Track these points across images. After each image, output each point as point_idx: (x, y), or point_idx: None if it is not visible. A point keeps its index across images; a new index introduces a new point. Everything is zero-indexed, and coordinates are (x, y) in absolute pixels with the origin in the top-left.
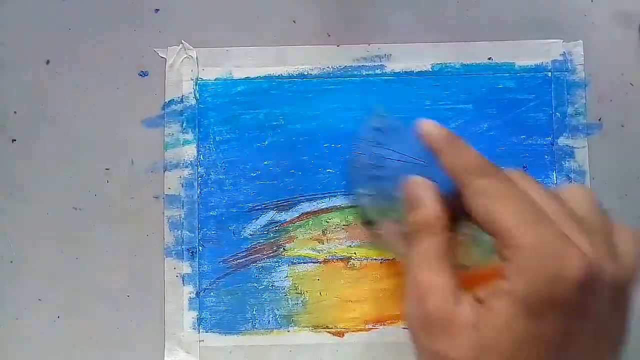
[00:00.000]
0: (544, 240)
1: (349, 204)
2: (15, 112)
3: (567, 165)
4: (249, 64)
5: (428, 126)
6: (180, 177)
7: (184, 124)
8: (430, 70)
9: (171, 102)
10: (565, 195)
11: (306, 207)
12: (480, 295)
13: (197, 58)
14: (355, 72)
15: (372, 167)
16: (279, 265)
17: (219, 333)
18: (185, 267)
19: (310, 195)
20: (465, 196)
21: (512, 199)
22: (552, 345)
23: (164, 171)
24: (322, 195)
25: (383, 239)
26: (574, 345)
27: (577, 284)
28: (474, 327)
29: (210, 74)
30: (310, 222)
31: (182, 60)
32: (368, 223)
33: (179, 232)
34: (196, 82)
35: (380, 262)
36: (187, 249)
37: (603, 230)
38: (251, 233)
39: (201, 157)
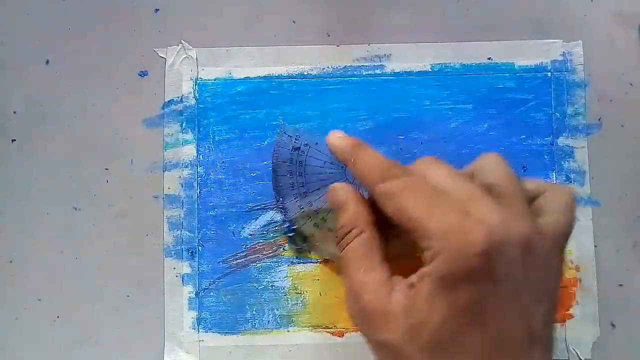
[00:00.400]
0: (448, 223)
1: (283, 232)
2: (15, 112)
3: (566, 165)
4: (249, 64)
5: (334, 138)
6: (180, 177)
7: (184, 124)
8: (430, 70)
9: (171, 102)
10: (477, 167)
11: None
12: (412, 280)
13: (196, 58)
14: (355, 72)
15: (297, 187)
16: (279, 265)
17: (219, 333)
18: (185, 267)
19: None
20: (377, 202)
21: (415, 193)
22: (471, 312)
23: (163, 171)
24: (322, 195)
25: (321, 250)
26: (493, 306)
27: (481, 253)
28: (406, 311)
29: (210, 74)
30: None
31: (182, 60)
32: (304, 240)
33: (179, 232)
34: (196, 82)
35: None
36: (187, 249)
37: (514, 193)
38: (251, 233)
39: (201, 157)
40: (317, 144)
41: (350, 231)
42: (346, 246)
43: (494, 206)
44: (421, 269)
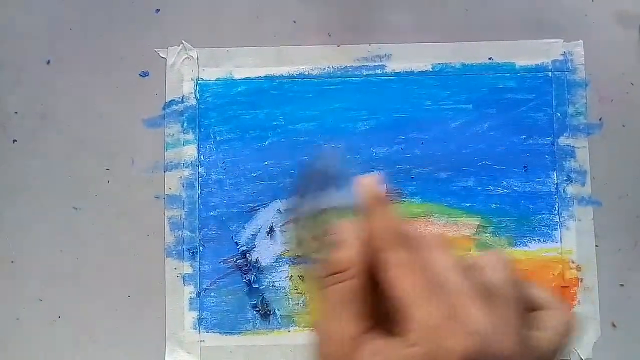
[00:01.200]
0: (434, 319)
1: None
2: (15, 112)
3: (567, 165)
4: (249, 64)
5: (363, 185)
6: (181, 177)
7: (185, 124)
8: (430, 70)
9: (172, 102)
10: (481, 262)
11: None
12: (379, 348)
13: (197, 58)
14: (356, 72)
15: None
16: (279, 265)
17: (220, 333)
18: (186, 267)
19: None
20: (376, 263)
21: (410, 274)
22: None
23: (164, 171)
24: (322, 195)
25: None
26: None
27: None
28: None
29: (210, 74)
30: (311, 222)
31: (183, 61)
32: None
33: (180, 232)
34: (197, 82)
35: None
36: (188, 249)
37: (510, 299)
38: (252, 233)
39: (202, 157)
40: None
41: (341, 271)
42: (329, 285)
43: (484, 312)
44: (393, 344)
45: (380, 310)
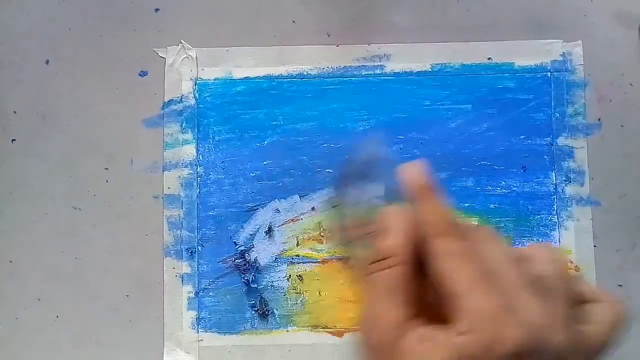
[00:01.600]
0: (486, 310)
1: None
2: (15, 112)
3: (566, 165)
4: (249, 64)
5: (409, 173)
6: (180, 177)
7: (184, 124)
8: (430, 70)
9: (171, 102)
10: (531, 254)
11: (306, 207)
12: (428, 334)
13: (196, 58)
14: (355, 72)
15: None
16: (279, 265)
17: (218, 333)
18: (185, 267)
19: (310, 195)
20: (425, 251)
21: (464, 263)
22: None
23: (163, 171)
24: (322, 195)
25: (351, 259)
26: None
27: (512, 353)
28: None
29: (209, 74)
30: (310, 222)
31: (182, 60)
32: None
33: (178, 232)
34: (196, 82)
35: None
36: (187, 249)
37: (561, 292)
38: (250, 233)
39: (200, 157)
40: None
41: (385, 259)
42: (375, 272)
43: (537, 305)
44: (442, 331)
45: (425, 299)
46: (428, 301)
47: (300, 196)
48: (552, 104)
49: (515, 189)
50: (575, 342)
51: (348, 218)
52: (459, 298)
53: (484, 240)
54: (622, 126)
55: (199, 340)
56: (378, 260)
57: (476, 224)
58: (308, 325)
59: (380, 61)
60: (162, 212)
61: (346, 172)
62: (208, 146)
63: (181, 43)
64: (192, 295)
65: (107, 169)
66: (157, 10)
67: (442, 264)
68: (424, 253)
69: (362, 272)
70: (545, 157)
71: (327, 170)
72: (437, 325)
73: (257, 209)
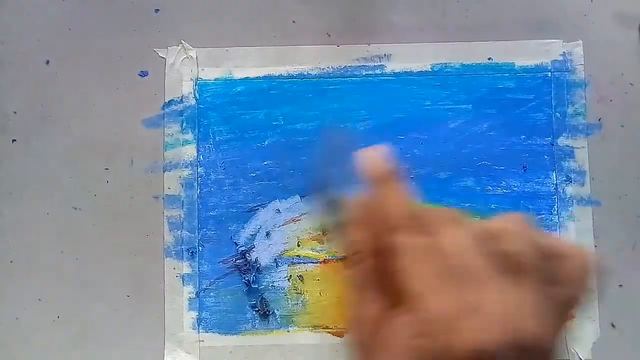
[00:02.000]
0: (442, 312)
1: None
2: (15, 112)
3: (566, 165)
4: (249, 64)
5: (368, 159)
6: (180, 177)
7: (184, 124)
8: (430, 70)
9: (171, 102)
10: (498, 230)
11: (306, 207)
12: (399, 325)
13: (197, 58)
14: (355, 72)
15: (328, 183)
16: (279, 265)
17: (219, 333)
18: (185, 267)
19: (310, 195)
20: (385, 248)
21: (421, 260)
22: None
23: (163, 171)
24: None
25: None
26: None
27: (472, 353)
28: (387, 352)
29: (210, 74)
30: (310, 223)
31: (182, 61)
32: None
33: (179, 232)
34: (196, 82)
35: None
36: (187, 249)
37: (535, 267)
38: (251, 233)
39: (201, 157)
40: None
41: (354, 254)
42: (350, 268)
43: (503, 295)
44: (405, 329)
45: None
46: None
47: (300, 196)
48: (553, 104)
49: (515, 189)
50: (550, 327)
51: (331, 215)
52: (416, 298)
53: (446, 227)
54: (622, 126)
55: (199, 341)
56: (347, 258)
57: (440, 207)
58: (309, 326)
59: (380, 61)
60: (163, 213)
61: (319, 170)
62: (208, 146)
63: (181, 43)
64: (192, 295)
65: (107, 169)
66: (157, 10)
67: (402, 262)
68: (388, 248)
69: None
70: (546, 157)
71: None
72: (407, 319)
73: (258, 209)
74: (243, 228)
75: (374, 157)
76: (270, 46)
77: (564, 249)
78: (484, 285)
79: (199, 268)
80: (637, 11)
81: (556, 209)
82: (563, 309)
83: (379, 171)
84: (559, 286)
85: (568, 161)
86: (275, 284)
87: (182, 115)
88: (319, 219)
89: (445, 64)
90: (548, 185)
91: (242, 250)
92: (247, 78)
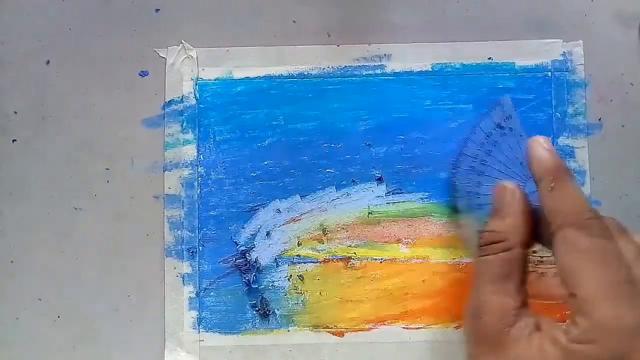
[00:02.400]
0: (618, 325)
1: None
2: (15, 112)
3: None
4: (249, 64)
5: (541, 150)
6: (180, 177)
7: (184, 124)
8: (430, 70)
9: (171, 102)
10: None
11: (306, 207)
12: (542, 325)
13: (197, 58)
14: (355, 72)
15: (474, 173)
16: (279, 265)
17: (219, 333)
18: (186, 267)
19: (310, 195)
20: (554, 240)
21: (597, 264)
22: None
23: (164, 171)
24: (322, 195)
25: (462, 237)
26: None
27: None
28: (519, 354)
29: (210, 74)
30: (310, 222)
31: (182, 60)
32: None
33: (179, 232)
34: (196, 82)
35: (380, 262)
36: (187, 249)
37: None
38: (251, 233)
39: (201, 157)
40: (521, 136)
41: (499, 242)
42: (487, 255)
43: None
44: (560, 330)
45: (535, 286)
46: (539, 290)
47: (301, 196)
48: (553, 104)
49: None
50: None
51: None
52: (586, 303)
53: (621, 237)
54: (622, 126)
55: (200, 340)
56: (491, 243)
57: (609, 217)
58: (309, 325)
59: (380, 61)
60: (163, 212)
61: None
62: (209, 146)
63: (182, 43)
64: (193, 295)
65: (107, 169)
66: (157, 10)
67: (571, 260)
68: (553, 243)
69: (473, 253)
70: None
71: (327, 170)
72: (552, 319)
73: (258, 209)
74: (243, 228)
75: (547, 148)
76: (270, 46)
77: None
78: None
79: (199, 268)
80: (637, 11)
81: None
82: None
83: (553, 165)
84: None
85: (568, 161)
86: (275, 283)
87: (182, 115)
88: (453, 207)
89: (446, 63)
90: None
91: (243, 250)
92: (247, 78)
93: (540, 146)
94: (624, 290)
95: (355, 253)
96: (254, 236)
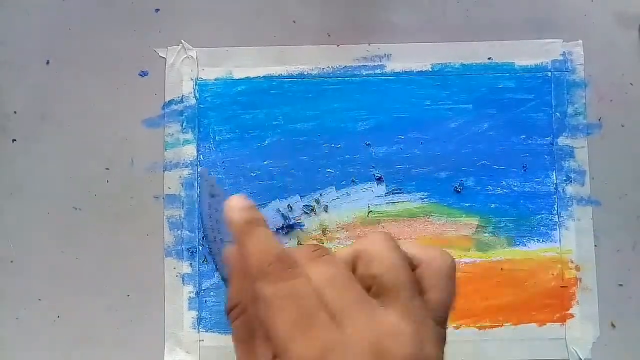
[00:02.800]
0: (312, 351)
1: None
2: (15, 112)
3: (567, 165)
4: (249, 64)
5: (231, 208)
6: (180, 176)
7: (184, 124)
8: (430, 70)
9: (171, 102)
10: (362, 250)
11: (306, 207)
12: None
13: (197, 58)
14: (355, 72)
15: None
16: None
17: (219, 333)
18: (185, 267)
19: (310, 195)
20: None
21: (287, 306)
22: None
23: (163, 171)
24: (322, 195)
25: None
26: None
27: None
28: None
29: (210, 74)
30: (310, 222)
31: (182, 60)
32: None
33: (179, 231)
34: (196, 82)
35: None
36: (187, 249)
37: (400, 286)
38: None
39: (201, 157)
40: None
41: (235, 306)
42: (233, 322)
43: (368, 326)
44: None
45: None
46: None
47: (300, 196)
48: (553, 104)
49: (515, 188)
50: (423, 344)
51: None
52: (282, 347)
53: (309, 266)
54: (622, 126)
55: (199, 340)
56: (230, 310)
57: (302, 246)
58: None
59: (380, 61)
60: (163, 212)
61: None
62: (209, 146)
63: (181, 43)
64: (192, 295)
65: (107, 169)
66: (157, 10)
67: (264, 310)
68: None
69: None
70: (546, 156)
71: (327, 170)
72: None
73: (258, 209)
74: None
75: (235, 207)
76: (270, 46)
77: (421, 254)
78: (349, 317)
79: (199, 268)
80: (637, 11)
81: (556, 208)
82: (436, 316)
83: (239, 220)
84: (426, 293)
85: (568, 161)
86: None
87: (182, 115)
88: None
89: (445, 64)
90: (548, 185)
91: None
92: (247, 78)
93: (230, 207)
94: (306, 324)
95: None
96: None
